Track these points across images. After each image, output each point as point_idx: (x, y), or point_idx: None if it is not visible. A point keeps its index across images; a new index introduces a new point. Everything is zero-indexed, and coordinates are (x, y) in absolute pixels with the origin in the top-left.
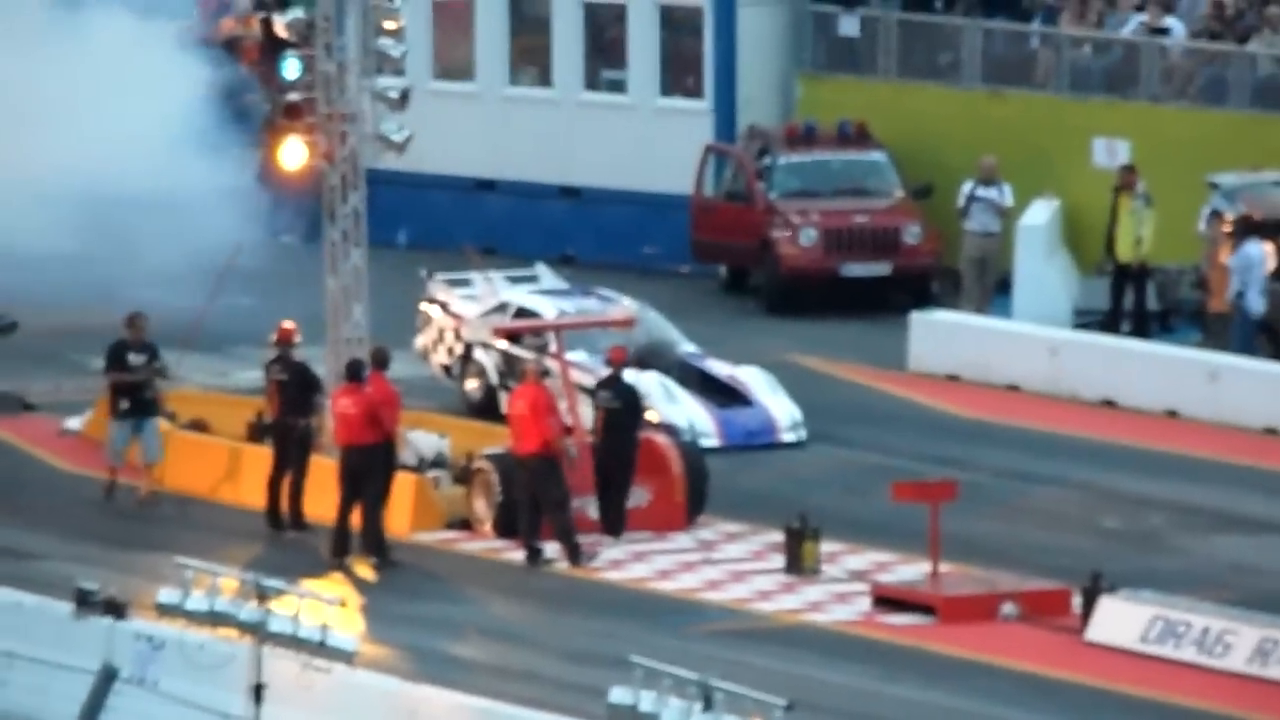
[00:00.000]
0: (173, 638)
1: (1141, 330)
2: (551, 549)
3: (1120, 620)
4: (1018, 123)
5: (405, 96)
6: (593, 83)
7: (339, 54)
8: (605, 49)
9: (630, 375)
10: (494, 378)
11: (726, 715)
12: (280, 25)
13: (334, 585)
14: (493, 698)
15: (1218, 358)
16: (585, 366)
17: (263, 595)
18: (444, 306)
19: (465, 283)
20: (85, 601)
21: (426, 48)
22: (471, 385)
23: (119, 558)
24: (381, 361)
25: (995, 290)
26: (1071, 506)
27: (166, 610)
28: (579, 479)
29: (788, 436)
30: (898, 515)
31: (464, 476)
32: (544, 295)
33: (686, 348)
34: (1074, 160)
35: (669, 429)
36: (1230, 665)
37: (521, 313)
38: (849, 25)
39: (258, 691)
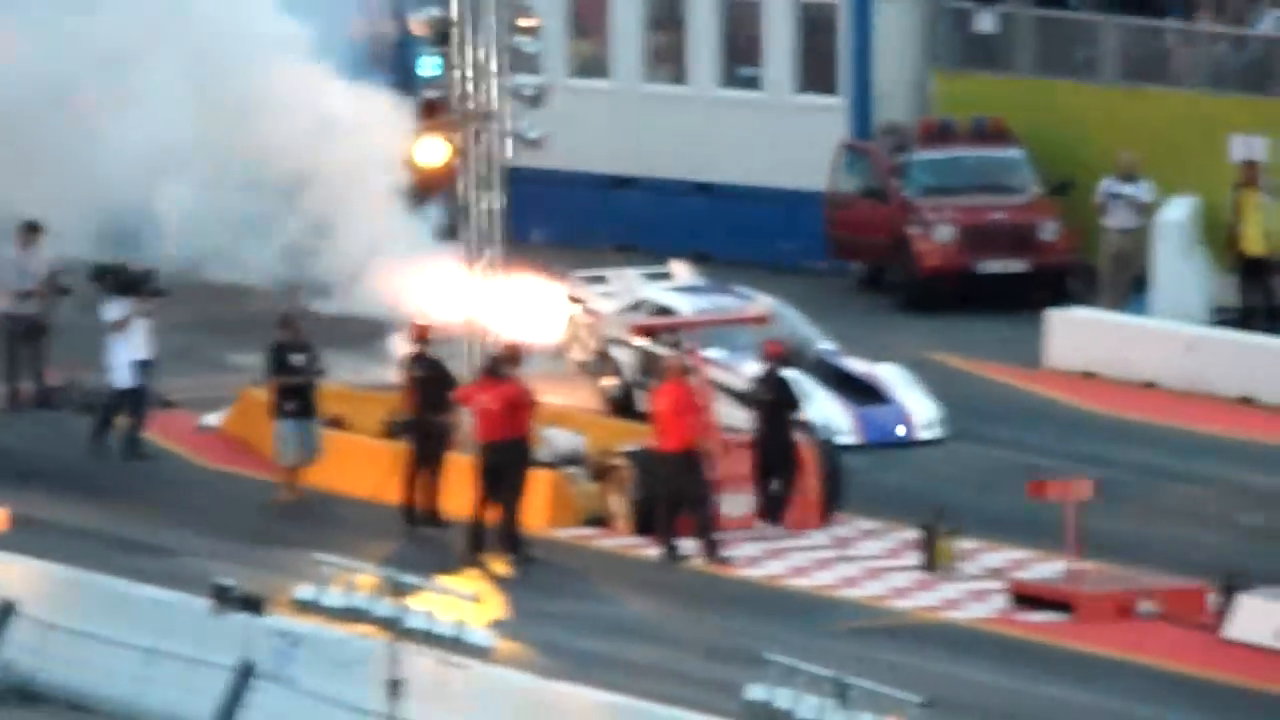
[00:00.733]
0: (310, 634)
1: (1275, 324)
2: (687, 545)
3: (1258, 618)
4: (1155, 119)
5: (541, 94)
6: (728, 79)
7: (475, 52)
8: (741, 46)
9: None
10: (631, 375)
11: (862, 712)
12: (416, 23)
13: (470, 581)
14: (628, 694)
15: None
16: (723, 364)
17: (399, 591)
18: (581, 304)
19: (602, 280)
20: (223, 598)
21: (562, 45)
22: (608, 382)
23: (256, 554)
24: (516, 359)
25: (1132, 287)
26: (1208, 503)
27: (304, 606)
28: (728, 473)
29: (925, 433)
30: (1034, 512)
31: (600, 473)
32: (680, 292)
33: (823, 345)
34: (1211, 157)
35: (805, 426)
36: None
37: (658, 310)
38: (985, 21)
39: (394, 687)
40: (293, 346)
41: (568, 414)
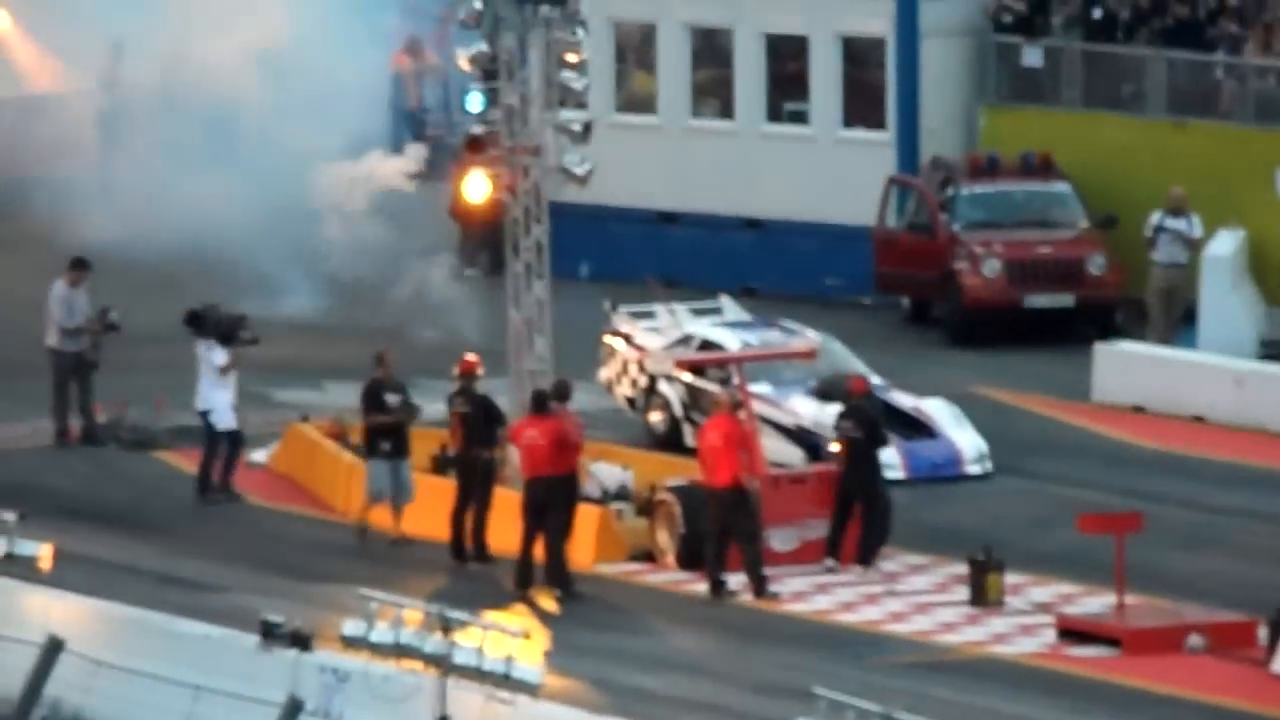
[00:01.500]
0: (358, 670)
1: None
2: (735, 581)
3: None
4: (1202, 153)
5: (588, 129)
6: (775, 114)
7: (521, 87)
8: (787, 81)
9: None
10: (678, 410)
11: None
12: (463, 58)
13: (518, 617)
14: None
15: None
16: (770, 399)
17: (447, 627)
18: (628, 339)
19: (649, 315)
20: (271, 634)
21: (609, 80)
22: (656, 417)
23: (304, 590)
24: (563, 395)
25: (1180, 321)
26: (1258, 538)
27: (351, 642)
28: (775, 509)
29: (973, 469)
30: (1082, 547)
31: (647, 509)
32: (728, 327)
33: (872, 380)
34: (1259, 191)
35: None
36: None
37: (706, 345)
38: (1032, 56)
39: None
40: (387, 384)
41: (614, 449)
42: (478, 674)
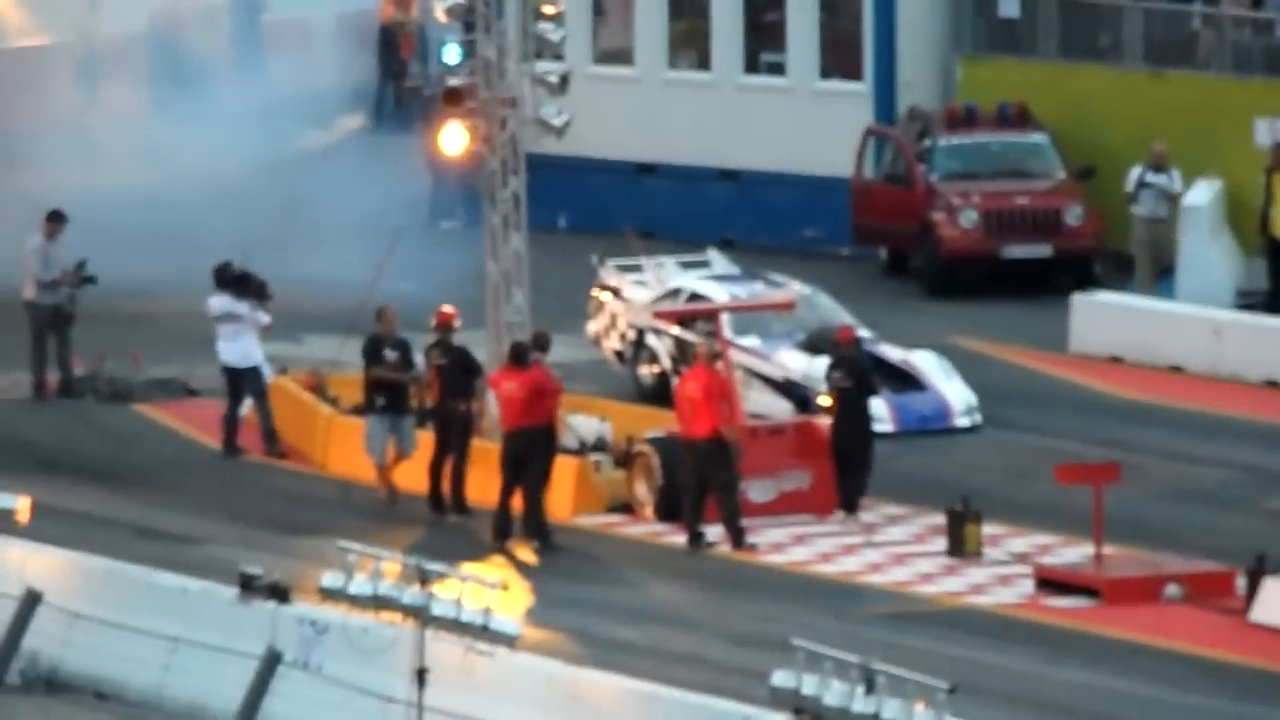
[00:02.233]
0: (336, 622)
1: None
2: (713, 532)
3: None
4: (1179, 103)
5: (565, 81)
6: (752, 66)
7: (499, 39)
8: (764, 32)
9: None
10: (667, 363)
11: (889, 698)
12: (440, 10)
13: (496, 569)
14: (654, 681)
15: None
16: (759, 351)
17: (425, 579)
18: (615, 292)
19: (637, 268)
20: (249, 586)
21: (586, 32)
22: (645, 371)
23: (282, 542)
24: (542, 346)
25: (1162, 273)
26: (1235, 488)
27: (330, 594)
28: (755, 460)
29: (962, 421)
30: (1060, 497)
31: (625, 460)
32: (715, 280)
33: (860, 333)
34: (1236, 141)
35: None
36: None
37: (693, 298)
38: (1009, 6)
39: (421, 675)
40: (386, 340)
41: (591, 401)
42: (456, 625)
